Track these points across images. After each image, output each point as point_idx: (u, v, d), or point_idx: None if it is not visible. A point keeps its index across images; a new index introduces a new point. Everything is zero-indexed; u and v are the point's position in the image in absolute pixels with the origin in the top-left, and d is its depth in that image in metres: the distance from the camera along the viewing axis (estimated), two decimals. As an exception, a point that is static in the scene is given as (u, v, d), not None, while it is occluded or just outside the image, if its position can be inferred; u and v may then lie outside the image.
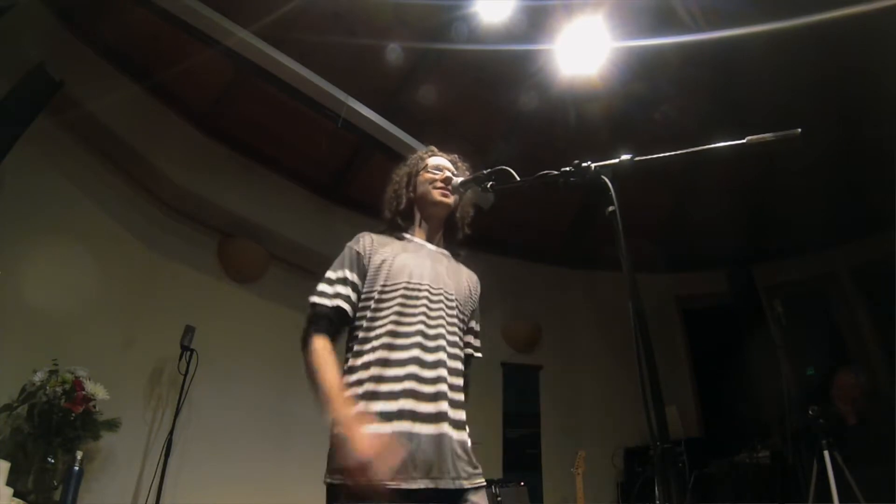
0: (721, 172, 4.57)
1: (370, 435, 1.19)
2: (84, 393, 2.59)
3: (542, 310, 5.18)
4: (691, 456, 4.01)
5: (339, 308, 1.41)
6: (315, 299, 1.43)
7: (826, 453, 2.72)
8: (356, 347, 1.39)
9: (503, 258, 5.04)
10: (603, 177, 1.15)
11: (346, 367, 1.38)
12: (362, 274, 1.47)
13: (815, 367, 3.55)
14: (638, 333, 0.97)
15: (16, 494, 2.19)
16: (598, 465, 4.30)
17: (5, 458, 2.21)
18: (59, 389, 2.53)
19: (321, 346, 1.35)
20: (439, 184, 1.58)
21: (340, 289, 1.43)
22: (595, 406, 4.82)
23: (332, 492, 1.24)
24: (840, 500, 2.61)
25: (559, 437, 4.71)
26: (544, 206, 4.83)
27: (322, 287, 1.45)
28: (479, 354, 1.63)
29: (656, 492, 0.92)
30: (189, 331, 3.33)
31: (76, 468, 2.41)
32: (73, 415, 2.53)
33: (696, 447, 4.30)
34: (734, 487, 3.91)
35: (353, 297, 1.43)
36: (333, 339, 1.39)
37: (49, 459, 2.45)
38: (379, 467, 1.14)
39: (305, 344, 1.38)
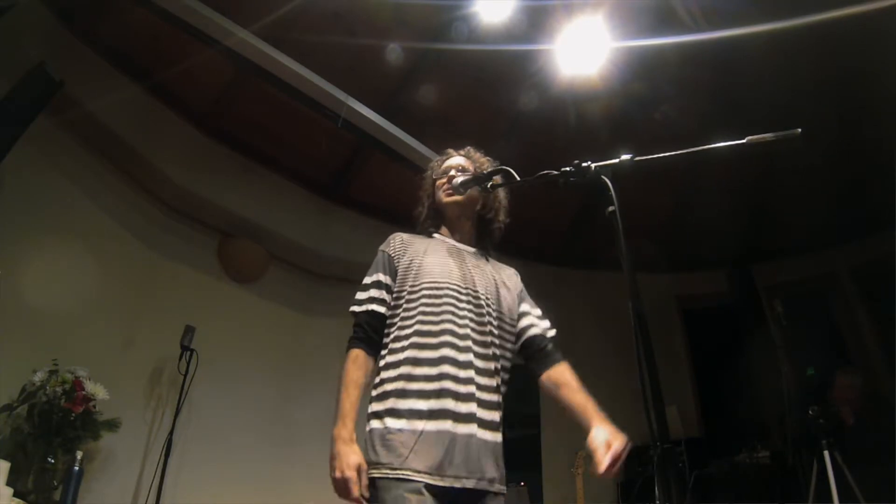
0: (721, 172, 4.56)
1: (351, 458, 1.26)
2: (84, 393, 2.59)
3: (542, 310, 5.17)
4: (691, 456, 4.00)
5: (371, 311, 1.47)
6: (352, 308, 1.50)
7: (826, 453, 2.72)
8: (390, 345, 1.43)
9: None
10: (603, 177, 1.15)
11: (381, 365, 1.42)
12: (393, 274, 1.52)
13: (815, 367, 3.55)
14: (638, 333, 0.97)
15: (16, 494, 2.19)
16: (599, 465, 4.29)
17: (5, 458, 2.21)
18: (59, 389, 2.52)
19: (351, 359, 1.42)
20: (445, 186, 1.62)
21: (373, 292, 1.50)
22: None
23: (372, 483, 1.27)
24: (840, 501, 2.61)
25: (559, 437, 4.70)
26: (544, 206, 4.82)
27: (358, 295, 1.52)
28: (553, 331, 1.64)
29: (656, 492, 0.92)
30: (189, 331, 3.32)
31: (76, 468, 2.41)
32: (73, 415, 2.53)
33: (696, 447, 4.30)
34: (734, 487, 3.90)
35: (387, 297, 1.49)
36: (374, 342, 1.45)
37: (49, 459, 2.45)
38: (351, 488, 1.23)
39: (347, 353, 1.45)
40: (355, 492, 1.23)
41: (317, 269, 4.25)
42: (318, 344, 3.96)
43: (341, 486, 1.24)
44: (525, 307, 1.63)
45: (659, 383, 0.94)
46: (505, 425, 1.45)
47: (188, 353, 3.29)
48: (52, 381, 2.53)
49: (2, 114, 2.68)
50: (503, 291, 1.57)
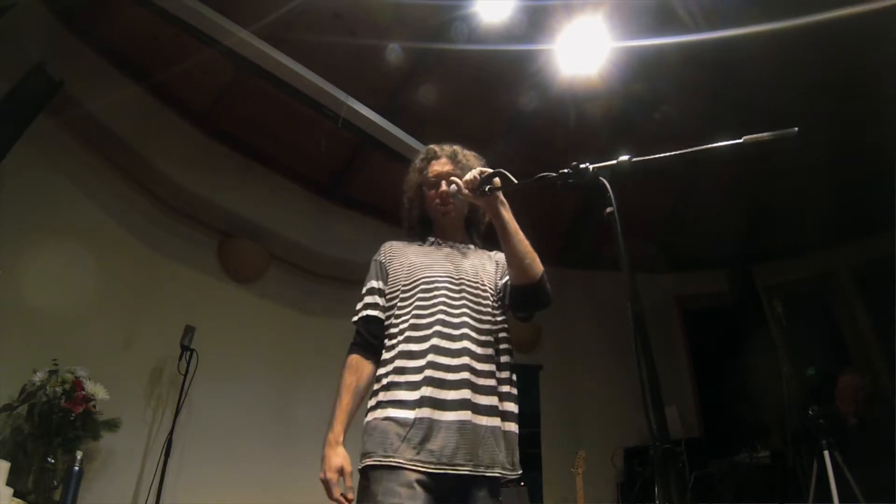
0: (721, 172, 4.56)
1: (333, 460, 1.36)
2: (84, 393, 2.59)
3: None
4: (691, 456, 4.00)
5: (367, 316, 1.54)
6: (352, 319, 1.56)
7: (826, 453, 2.71)
8: (387, 343, 1.48)
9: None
10: (601, 178, 1.14)
11: (381, 362, 1.47)
12: (385, 277, 1.57)
13: (815, 368, 3.55)
14: (637, 334, 0.97)
15: (16, 494, 2.19)
16: (598, 465, 4.29)
17: (5, 458, 2.21)
18: (59, 389, 2.53)
19: (346, 365, 1.49)
20: (437, 200, 1.64)
21: (368, 299, 1.56)
22: (595, 406, 4.82)
23: (363, 474, 1.33)
24: (840, 501, 2.61)
25: (559, 437, 4.71)
26: (544, 206, 4.82)
27: (357, 305, 1.57)
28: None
29: (656, 492, 0.92)
30: (189, 331, 3.33)
31: (76, 468, 2.41)
32: (73, 415, 2.54)
33: (696, 447, 4.30)
34: (734, 487, 3.90)
35: (381, 301, 1.55)
36: (371, 346, 1.51)
37: (49, 459, 2.45)
38: (331, 489, 1.35)
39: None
40: (335, 493, 1.35)
41: (316, 270, 4.24)
42: (317, 344, 3.96)
43: (325, 487, 1.36)
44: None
45: (659, 383, 0.94)
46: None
47: (188, 353, 3.29)
48: (52, 381, 2.54)
49: (2, 114, 2.69)
50: (492, 272, 1.59)
